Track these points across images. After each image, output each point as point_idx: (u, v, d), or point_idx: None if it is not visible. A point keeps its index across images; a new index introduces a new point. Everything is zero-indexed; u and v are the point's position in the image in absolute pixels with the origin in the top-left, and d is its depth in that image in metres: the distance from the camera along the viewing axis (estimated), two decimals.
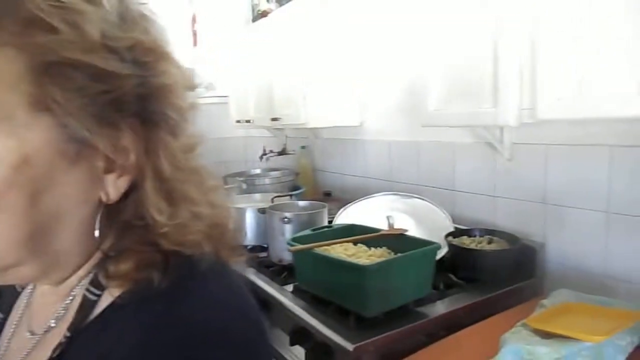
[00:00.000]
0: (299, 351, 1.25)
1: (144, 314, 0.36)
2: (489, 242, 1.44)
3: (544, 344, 0.91)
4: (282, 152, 2.61)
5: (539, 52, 1.06)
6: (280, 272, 1.46)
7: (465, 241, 1.45)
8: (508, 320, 1.09)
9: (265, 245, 1.63)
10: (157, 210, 0.38)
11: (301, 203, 1.70)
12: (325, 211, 1.59)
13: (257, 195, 2.06)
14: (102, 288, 0.39)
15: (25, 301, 0.48)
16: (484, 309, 1.24)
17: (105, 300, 0.39)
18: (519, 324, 1.03)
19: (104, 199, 0.38)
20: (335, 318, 1.15)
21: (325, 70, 2.07)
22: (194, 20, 3.16)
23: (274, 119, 2.20)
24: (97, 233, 0.38)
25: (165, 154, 0.38)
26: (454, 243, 1.41)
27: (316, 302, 1.23)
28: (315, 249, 1.20)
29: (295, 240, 1.27)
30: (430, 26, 1.37)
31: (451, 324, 1.18)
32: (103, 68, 0.34)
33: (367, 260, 1.18)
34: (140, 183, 0.39)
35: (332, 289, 1.17)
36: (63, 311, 0.41)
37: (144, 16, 0.39)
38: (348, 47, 2.10)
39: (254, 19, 2.84)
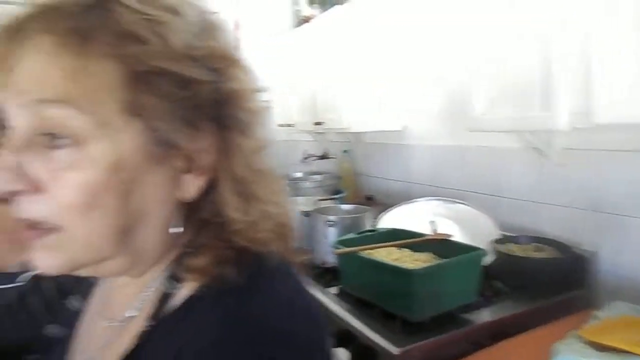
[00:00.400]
0: (343, 354, 1.26)
1: (220, 310, 0.38)
2: (536, 250, 1.40)
3: (600, 357, 0.88)
4: (324, 156, 2.63)
5: (594, 51, 1.02)
6: (323, 275, 1.48)
7: (512, 248, 1.42)
8: (557, 331, 1.05)
9: (308, 248, 1.66)
10: (232, 208, 0.41)
11: (345, 206, 1.72)
12: (369, 215, 1.59)
13: (300, 199, 2.09)
14: (179, 282, 0.41)
15: (102, 292, 0.51)
16: (531, 319, 1.21)
17: (183, 293, 0.41)
18: (571, 335, 1.00)
19: (182, 197, 0.41)
20: (380, 321, 1.15)
21: (368, 74, 2.08)
22: (236, 26, 3.25)
23: (316, 123, 2.22)
24: (175, 230, 0.41)
25: (239, 155, 0.41)
26: (500, 250, 1.38)
27: (360, 305, 1.24)
28: (361, 252, 1.21)
29: (341, 243, 1.29)
30: (475, 28, 1.35)
31: (497, 333, 1.16)
32: (186, 75, 0.37)
33: (413, 265, 1.18)
34: (215, 182, 0.41)
35: (378, 292, 1.18)
36: (141, 302, 0.43)
37: (216, 25, 0.42)
38: (391, 50, 2.10)
39: (296, 25, 2.89)
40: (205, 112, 0.38)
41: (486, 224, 1.59)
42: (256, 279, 0.40)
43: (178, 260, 0.42)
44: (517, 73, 1.24)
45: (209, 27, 0.41)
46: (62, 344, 0.51)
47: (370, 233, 1.42)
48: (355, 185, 2.55)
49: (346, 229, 1.48)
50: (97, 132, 0.35)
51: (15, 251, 1.10)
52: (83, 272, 0.42)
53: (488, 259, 1.35)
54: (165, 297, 0.41)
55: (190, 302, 0.40)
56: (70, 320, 0.53)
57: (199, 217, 0.42)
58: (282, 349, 0.36)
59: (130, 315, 0.43)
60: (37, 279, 1.10)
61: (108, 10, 0.35)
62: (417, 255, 1.28)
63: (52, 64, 0.34)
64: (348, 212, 1.66)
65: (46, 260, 0.38)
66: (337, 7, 2.19)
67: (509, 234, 1.53)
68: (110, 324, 0.45)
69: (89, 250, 0.38)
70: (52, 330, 0.54)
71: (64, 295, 0.57)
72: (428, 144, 2.05)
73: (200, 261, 0.40)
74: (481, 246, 1.26)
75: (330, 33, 2.15)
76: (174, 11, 0.38)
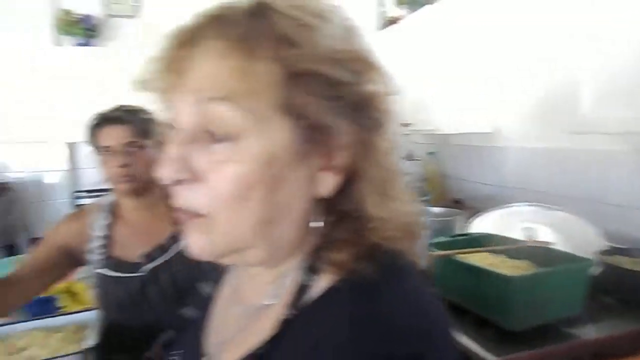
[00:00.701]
0: None
1: (354, 305, 0.39)
2: None
3: None
4: (409, 158, 2.60)
5: None
6: None
7: (622, 261, 1.31)
8: None
9: None
10: (368, 205, 0.42)
11: (435, 209, 1.69)
12: (460, 218, 1.56)
13: None
14: (316, 274, 0.44)
15: (233, 280, 0.56)
16: None
17: (321, 285, 0.43)
18: None
19: (318, 194, 0.43)
20: (474, 328, 1.12)
21: (457, 75, 2.02)
22: None
23: (403, 125, 2.21)
24: (316, 224, 0.44)
25: (375, 155, 0.43)
26: (609, 262, 1.28)
27: (453, 310, 1.22)
28: (457, 255, 1.19)
29: (435, 246, 1.27)
30: (580, 23, 1.27)
31: (602, 351, 1.08)
32: (333, 77, 0.39)
33: (512, 272, 1.13)
34: (352, 180, 0.43)
35: (473, 297, 1.15)
36: (278, 291, 0.45)
37: (355, 30, 0.44)
38: (482, 49, 2.02)
39: (382, 26, 2.88)
40: (346, 112, 0.40)
41: (589, 233, 1.48)
42: (388, 276, 0.41)
43: (314, 253, 0.44)
44: (631, 70, 1.15)
45: (349, 32, 0.43)
46: (196, 325, 0.56)
47: (464, 237, 1.38)
48: (442, 187, 2.49)
49: (436, 232, 1.46)
50: (254, 129, 0.39)
51: (140, 245, 1.19)
52: (225, 260, 0.46)
53: (594, 271, 1.26)
54: (303, 288, 0.43)
55: (329, 295, 0.42)
56: (203, 304, 0.58)
57: (335, 212, 0.44)
58: (413, 346, 0.37)
59: (267, 303, 0.45)
60: (156, 271, 1.20)
61: (267, 18, 0.39)
62: (514, 262, 1.23)
63: (221, 66, 0.38)
64: (439, 215, 1.63)
65: (195, 244, 0.42)
66: (427, 7, 2.16)
67: (617, 245, 1.41)
68: (245, 311, 0.48)
69: (233, 239, 0.42)
70: (187, 312, 0.60)
71: (196, 281, 0.62)
72: (521, 145, 1.95)
73: (339, 255, 0.42)
74: (584, 256, 1.18)
75: (419, 33, 2.13)
76: (322, 17, 0.41)
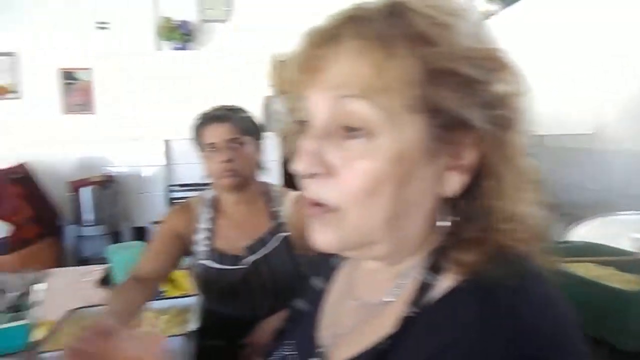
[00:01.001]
0: None
1: (485, 306, 0.38)
2: None
3: None
4: None
5: None
6: None
7: None
8: None
9: None
10: (496, 206, 0.41)
11: None
12: (558, 225, 1.45)
13: None
14: (439, 273, 0.43)
15: (347, 276, 0.57)
16: None
17: (444, 285, 0.42)
18: None
19: (443, 193, 0.42)
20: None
21: (553, 72, 1.89)
22: None
23: None
24: (440, 223, 0.44)
25: (505, 154, 0.41)
26: None
27: None
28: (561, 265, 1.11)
29: None
30: None
31: None
32: (468, 75, 0.39)
33: (626, 286, 1.03)
34: (480, 179, 0.42)
35: (582, 313, 1.07)
36: (398, 289, 0.45)
37: (486, 28, 0.43)
38: (582, 46, 1.87)
39: None
40: (479, 111, 0.40)
41: None
42: (518, 279, 0.40)
43: (438, 252, 0.44)
44: None
45: (482, 30, 0.42)
46: (308, 318, 0.57)
47: (562, 245, 1.29)
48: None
49: None
50: (387, 126, 0.39)
51: (241, 238, 1.25)
52: (350, 253, 0.47)
53: None
54: (425, 287, 0.43)
55: (454, 295, 0.41)
56: (314, 297, 0.59)
57: (461, 212, 0.43)
58: (543, 349, 0.36)
59: (387, 300, 0.46)
60: (257, 264, 1.26)
61: (403, 17, 0.40)
62: (625, 275, 1.12)
63: (360, 64, 0.39)
64: None
65: (323, 236, 0.44)
66: (522, 2, 2.05)
67: None
68: (363, 306, 0.48)
69: (360, 233, 0.42)
70: (299, 304, 0.62)
71: (294, 275, 0.64)
72: (626, 147, 1.78)
73: (466, 255, 0.41)
74: None
75: (513, 29, 2.02)
76: (456, 15, 0.40)
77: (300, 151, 0.42)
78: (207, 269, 1.24)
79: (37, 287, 1.25)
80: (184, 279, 1.56)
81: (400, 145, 0.40)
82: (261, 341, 1.10)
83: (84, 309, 1.25)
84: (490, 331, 0.37)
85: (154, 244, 1.27)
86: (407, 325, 0.42)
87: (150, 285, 1.17)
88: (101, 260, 2.78)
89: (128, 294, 1.08)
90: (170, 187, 3.14)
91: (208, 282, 1.25)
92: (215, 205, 1.31)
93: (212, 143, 1.22)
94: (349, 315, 0.51)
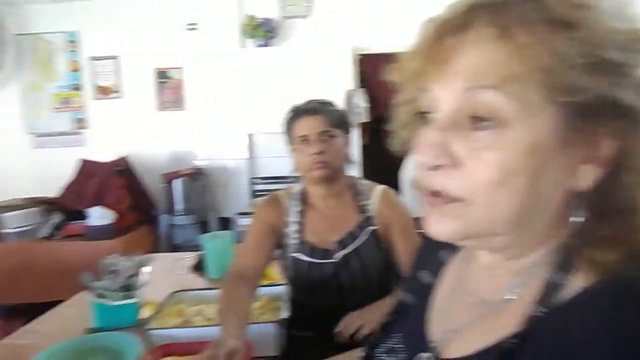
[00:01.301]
0: None
1: (624, 312, 0.35)
2: None
3: None
4: None
5: None
6: None
7: None
8: None
9: None
10: (638, 203, 0.38)
11: None
12: None
13: None
14: (569, 272, 0.40)
15: (458, 271, 0.55)
16: None
17: (575, 285, 0.39)
18: None
19: (575, 186, 0.39)
20: None
21: None
22: None
23: None
24: (573, 218, 0.41)
25: None
26: None
27: None
28: None
29: None
30: None
31: None
32: (612, 60, 0.36)
33: None
34: (618, 174, 0.39)
35: None
36: (521, 287, 0.43)
37: (630, 7, 0.39)
38: None
39: None
40: (622, 97, 0.36)
41: None
42: None
43: (568, 249, 0.41)
44: None
45: (627, 9, 0.39)
46: (416, 311, 0.56)
47: None
48: None
49: None
50: (519, 116, 0.37)
51: (330, 232, 1.26)
52: (467, 243, 0.45)
53: None
54: (554, 285, 0.40)
55: (586, 296, 0.38)
56: (422, 291, 0.58)
57: (595, 207, 0.40)
58: None
59: (508, 297, 0.44)
60: (347, 258, 1.27)
61: (539, 1, 0.37)
62: None
63: (494, 52, 0.37)
64: None
65: (441, 225, 0.42)
66: None
67: None
68: (479, 302, 0.47)
69: (485, 224, 0.40)
70: (404, 297, 0.61)
71: (383, 267, 0.62)
72: None
73: (602, 254, 0.38)
74: None
75: None
76: None
77: (423, 143, 0.41)
78: (298, 261, 1.26)
79: (144, 269, 1.36)
80: (271, 269, 1.62)
81: (534, 136, 0.37)
82: (349, 332, 1.11)
83: (182, 292, 1.35)
84: (629, 337, 0.34)
85: (251, 239, 1.29)
86: (534, 325, 0.39)
87: (254, 280, 1.20)
88: (192, 248, 2.98)
89: (236, 292, 1.12)
90: (253, 180, 3.27)
91: (298, 275, 1.27)
92: (303, 199, 1.32)
93: (304, 135, 1.23)
94: (463, 311, 0.49)
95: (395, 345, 0.55)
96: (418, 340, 0.52)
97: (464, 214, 0.41)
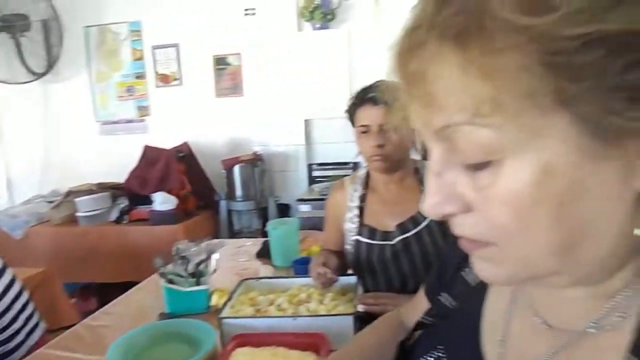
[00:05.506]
0: None
1: None
2: None
3: None
4: None
5: None
6: None
7: None
8: None
9: None
10: None
11: None
12: None
13: None
14: None
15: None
16: None
17: None
18: None
19: None
20: None
21: None
22: None
23: None
24: (636, 231, 0.32)
25: None
26: None
27: None
28: None
29: None
30: None
31: None
32: (622, 30, 0.26)
33: None
34: None
35: None
36: (604, 319, 0.35)
37: None
38: None
39: None
40: None
41: None
42: None
43: None
44: None
45: None
46: (463, 320, 0.49)
47: None
48: None
49: None
50: (516, 142, 0.29)
51: (391, 216, 1.26)
52: (528, 285, 0.39)
53: None
54: None
55: None
56: (469, 296, 0.50)
57: None
58: None
59: (590, 331, 0.35)
60: (408, 242, 1.23)
61: None
62: None
63: (456, 74, 0.29)
64: None
65: (485, 270, 0.36)
66: None
67: None
68: (551, 331, 0.39)
69: (526, 267, 0.34)
70: (446, 300, 0.53)
71: (460, 266, 0.54)
72: None
73: None
74: None
75: None
76: None
77: (427, 192, 0.34)
78: (358, 244, 1.28)
79: (214, 256, 1.35)
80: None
81: (541, 159, 0.29)
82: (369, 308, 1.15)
83: (251, 279, 1.33)
84: None
85: (327, 223, 1.40)
86: None
87: (341, 255, 1.33)
88: (251, 234, 3.02)
89: (333, 257, 1.28)
90: (311, 166, 3.23)
91: (359, 258, 1.28)
92: (366, 183, 1.34)
93: (365, 125, 1.22)
94: (529, 336, 0.41)
95: (440, 358, 0.47)
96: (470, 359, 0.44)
97: (503, 258, 0.34)
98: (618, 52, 0.26)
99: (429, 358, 0.49)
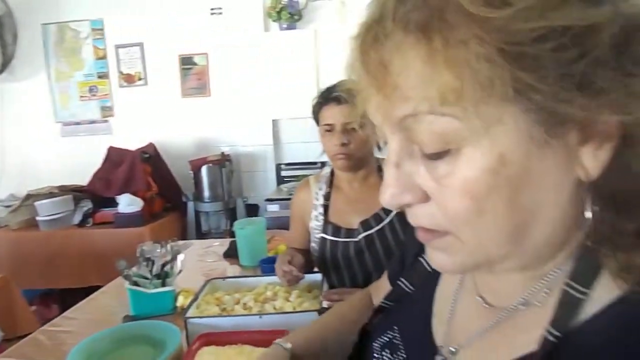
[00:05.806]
0: None
1: None
2: None
3: None
4: None
5: None
6: None
7: None
8: None
9: None
10: None
11: None
12: None
13: None
14: (592, 282, 0.34)
15: None
16: None
17: (599, 297, 0.33)
18: None
19: (588, 175, 0.32)
20: None
21: None
22: None
23: None
24: (588, 214, 0.34)
25: None
26: None
27: None
28: None
29: None
30: None
31: None
32: (573, 25, 0.28)
33: None
34: (627, 148, 0.31)
35: None
36: (533, 298, 0.37)
37: None
38: None
39: None
40: (602, 62, 0.29)
41: None
42: None
43: (587, 254, 0.35)
44: None
45: None
46: (416, 303, 0.51)
47: None
48: None
49: None
50: (474, 130, 0.31)
51: (355, 213, 1.28)
52: (479, 271, 0.41)
53: None
54: (568, 303, 0.34)
55: (614, 311, 0.32)
56: (423, 280, 0.53)
57: (609, 199, 0.33)
58: None
59: (524, 307, 0.38)
60: (371, 239, 1.25)
61: None
62: None
63: (418, 65, 0.31)
64: None
65: (440, 261, 0.38)
66: None
67: None
68: (489, 309, 0.41)
69: (480, 254, 0.35)
70: (404, 284, 0.55)
71: (417, 255, 0.57)
72: None
73: (632, 257, 0.32)
74: None
75: None
76: None
77: (384, 183, 0.35)
78: (323, 241, 1.31)
79: (179, 257, 1.34)
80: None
81: (496, 148, 0.31)
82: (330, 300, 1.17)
83: (217, 279, 1.33)
84: None
85: (293, 222, 1.42)
86: (552, 349, 0.33)
87: (307, 253, 1.36)
88: (220, 234, 2.99)
89: (298, 255, 1.28)
90: (279, 166, 3.23)
91: (324, 255, 1.31)
92: (331, 181, 1.37)
93: (329, 124, 1.24)
94: (471, 314, 0.44)
95: (394, 340, 0.50)
96: (421, 340, 0.47)
97: (457, 246, 0.35)
98: (565, 46, 0.28)
99: (384, 338, 0.51)
